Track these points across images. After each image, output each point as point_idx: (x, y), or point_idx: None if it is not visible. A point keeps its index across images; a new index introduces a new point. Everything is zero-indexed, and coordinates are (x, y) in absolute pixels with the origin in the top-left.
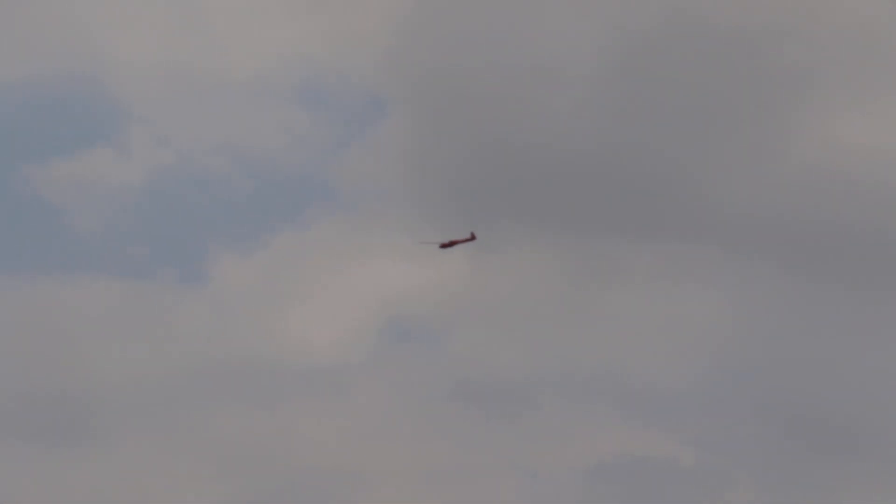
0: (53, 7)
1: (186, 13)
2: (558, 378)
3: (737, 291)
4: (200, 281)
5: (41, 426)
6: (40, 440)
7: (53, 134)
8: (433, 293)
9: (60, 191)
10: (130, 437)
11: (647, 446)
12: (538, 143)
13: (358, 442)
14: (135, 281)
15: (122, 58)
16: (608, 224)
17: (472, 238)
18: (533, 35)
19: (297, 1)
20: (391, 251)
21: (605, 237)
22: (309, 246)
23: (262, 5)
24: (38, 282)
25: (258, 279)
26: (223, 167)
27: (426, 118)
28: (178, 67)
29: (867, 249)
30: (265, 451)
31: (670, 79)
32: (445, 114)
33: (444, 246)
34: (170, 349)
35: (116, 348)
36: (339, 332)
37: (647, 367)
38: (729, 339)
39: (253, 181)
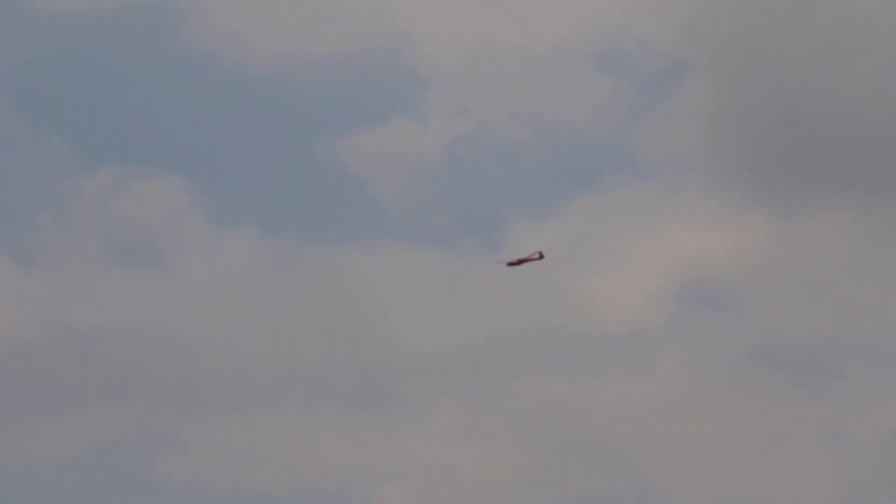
0: None
1: None
2: (865, 344)
3: None
4: (500, 248)
5: (348, 390)
6: (348, 404)
7: (356, 106)
8: (732, 258)
9: (363, 161)
10: (434, 403)
11: None
12: (844, 107)
13: (658, 409)
14: (437, 249)
15: (422, 31)
16: None
17: (541, 257)
18: None
19: None
20: (689, 218)
21: None
22: (606, 213)
23: None
24: (345, 250)
25: (556, 246)
26: (522, 136)
27: (727, 84)
28: (478, 39)
29: None
30: (567, 418)
31: None
32: (746, 79)
33: (511, 264)
34: (472, 315)
35: (421, 314)
36: (637, 299)
37: None
38: None
39: (551, 149)
